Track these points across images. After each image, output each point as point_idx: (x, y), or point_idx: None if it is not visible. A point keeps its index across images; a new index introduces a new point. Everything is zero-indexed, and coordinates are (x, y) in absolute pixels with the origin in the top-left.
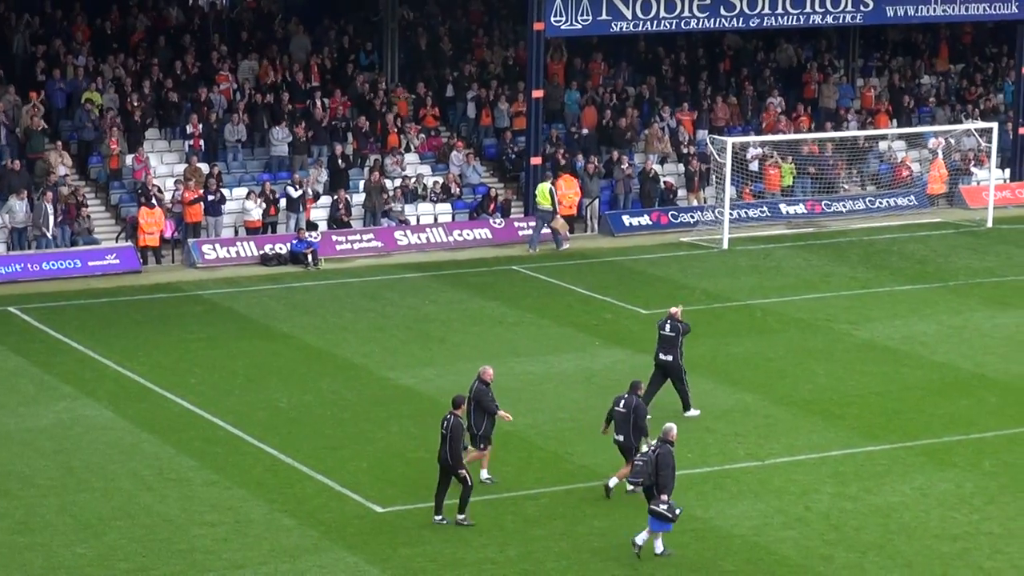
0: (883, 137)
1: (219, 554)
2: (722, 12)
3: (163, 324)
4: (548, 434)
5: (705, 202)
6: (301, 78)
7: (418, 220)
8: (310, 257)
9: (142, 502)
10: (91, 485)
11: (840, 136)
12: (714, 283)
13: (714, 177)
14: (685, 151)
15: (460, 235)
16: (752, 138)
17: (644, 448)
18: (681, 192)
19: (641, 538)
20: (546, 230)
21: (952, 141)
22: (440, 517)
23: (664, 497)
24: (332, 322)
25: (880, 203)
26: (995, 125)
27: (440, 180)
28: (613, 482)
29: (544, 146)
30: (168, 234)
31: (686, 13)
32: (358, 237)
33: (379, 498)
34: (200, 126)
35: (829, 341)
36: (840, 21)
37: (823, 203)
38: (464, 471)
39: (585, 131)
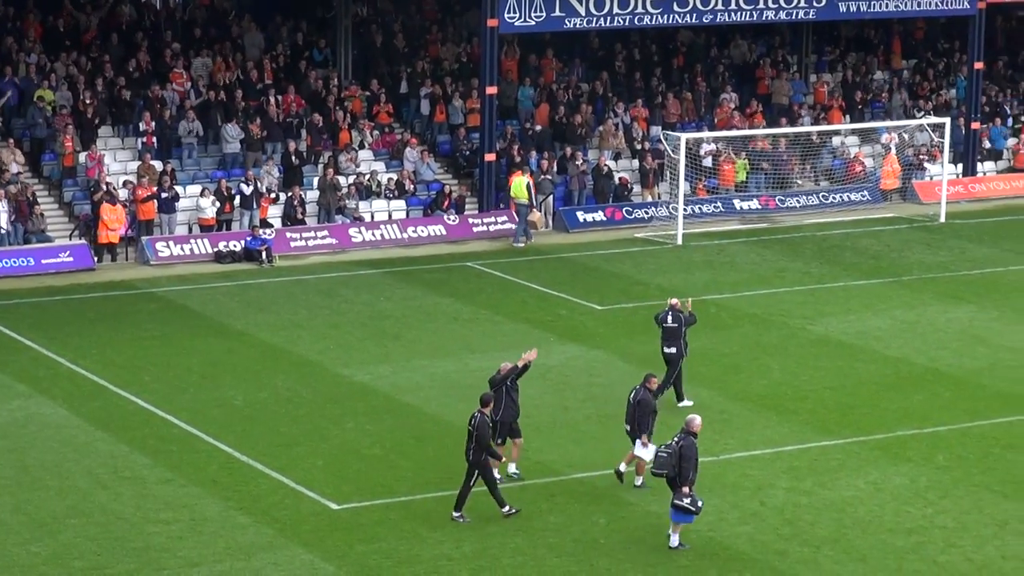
0: (836, 132)
1: (174, 552)
2: (675, 8)
3: (117, 322)
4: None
5: (659, 198)
6: (255, 75)
7: (372, 217)
8: (264, 254)
9: (97, 500)
10: (45, 483)
11: (793, 132)
12: (668, 279)
13: (668, 173)
14: (639, 147)
15: (414, 232)
16: (706, 134)
17: (639, 443)
18: (635, 188)
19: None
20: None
21: (905, 136)
22: (459, 514)
23: (686, 490)
24: (287, 319)
25: (833, 198)
26: (948, 120)
27: (394, 177)
28: (623, 467)
29: (498, 143)
30: (122, 232)
31: (639, 9)
32: (312, 234)
33: (335, 495)
34: (153, 123)
35: (783, 336)
36: (793, 17)
37: (777, 198)
38: (487, 467)
39: (539, 127)
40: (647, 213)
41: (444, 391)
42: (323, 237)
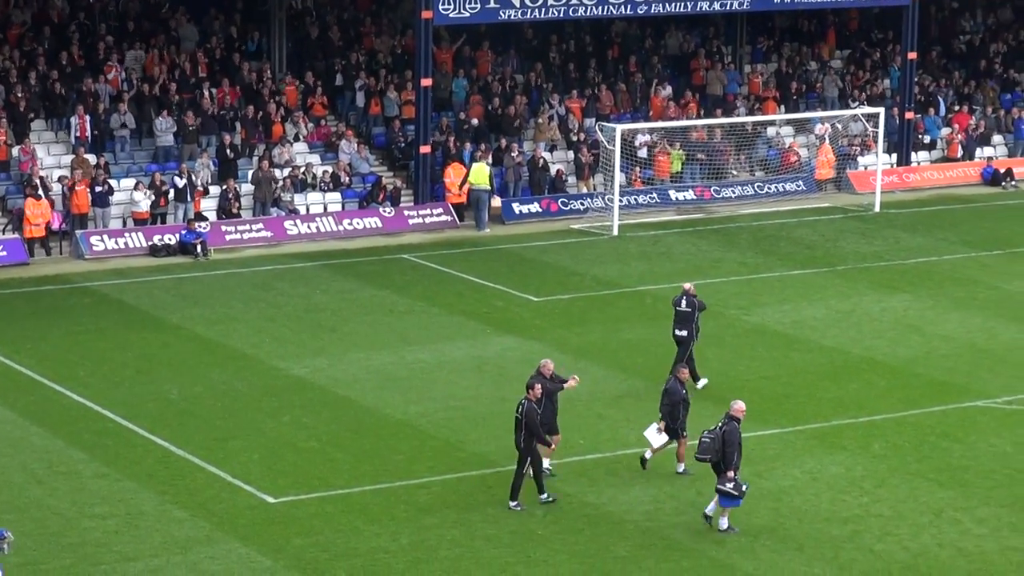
0: (771, 123)
1: (110, 547)
2: (610, 0)
3: (51, 316)
4: (440, 423)
5: (595, 189)
6: (188, 68)
7: (308, 210)
8: (199, 248)
9: (32, 496)
10: None
11: (728, 122)
12: (604, 269)
13: (603, 164)
14: (574, 138)
15: (350, 224)
16: (641, 125)
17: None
18: (571, 179)
19: (710, 508)
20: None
21: (839, 126)
22: (515, 503)
23: (730, 475)
24: (222, 312)
25: (769, 188)
26: (881, 110)
27: (329, 169)
28: (648, 455)
29: (433, 134)
30: (56, 226)
31: (574, 0)
32: (248, 227)
33: (271, 488)
34: (87, 117)
35: (719, 326)
36: (727, 8)
37: (712, 189)
38: (536, 454)
39: (475, 121)
40: (583, 204)
41: (380, 383)
42: (258, 230)
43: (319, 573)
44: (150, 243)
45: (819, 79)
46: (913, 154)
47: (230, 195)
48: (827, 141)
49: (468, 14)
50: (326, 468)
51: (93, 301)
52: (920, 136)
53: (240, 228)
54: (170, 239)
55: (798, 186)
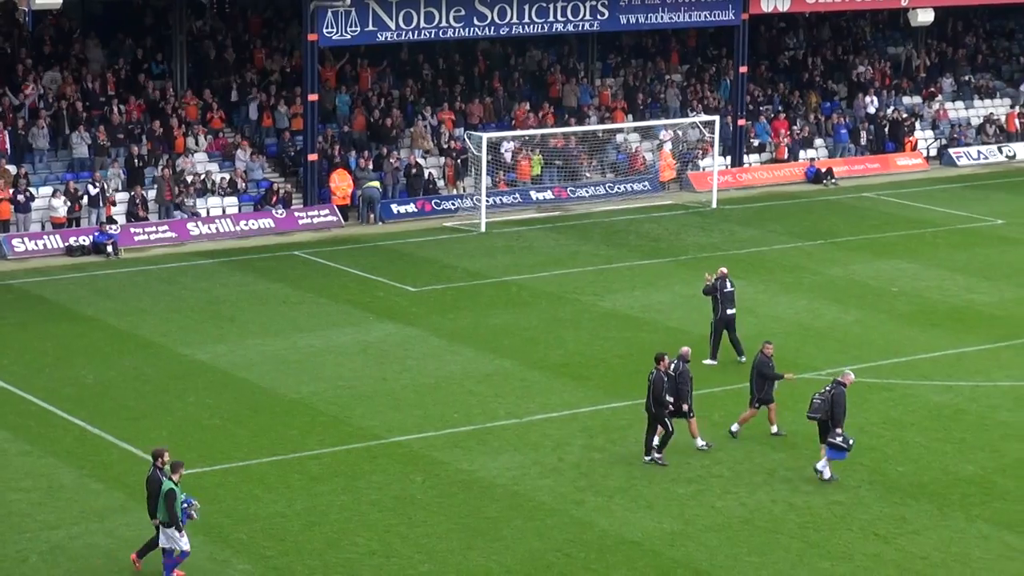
0: (620, 130)
1: (34, 516)
2: (475, 22)
3: None
4: (329, 400)
5: (464, 191)
6: (99, 87)
7: (208, 212)
8: (111, 247)
9: None
10: None
11: (582, 130)
12: (474, 262)
13: (472, 169)
14: (446, 146)
15: (246, 225)
16: (505, 133)
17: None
18: (442, 183)
19: (821, 464)
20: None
21: (680, 133)
22: (649, 458)
23: (839, 431)
24: (132, 305)
25: (618, 188)
26: (717, 118)
27: (227, 176)
28: (735, 428)
29: (319, 144)
30: None
31: (443, 23)
32: (154, 229)
33: None
34: (6, 132)
35: (576, 311)
36: (580, 28)
37: (568, 189)
38: (666, 419)
39: (356, 133)
40: (454, 205)
41: (275, 367)
42: (163, 231)
43: (223, 537)
44: (67, 244)
45: (662, 91)
46: (745, 156)
47: (137, 200)
48: (668, 147)
49: (350, 36)
50: (227, 443)
51: (15, 297)
52: (751, 140)
53: (147, 230)
54: (84, 240)
55: (644, 186)
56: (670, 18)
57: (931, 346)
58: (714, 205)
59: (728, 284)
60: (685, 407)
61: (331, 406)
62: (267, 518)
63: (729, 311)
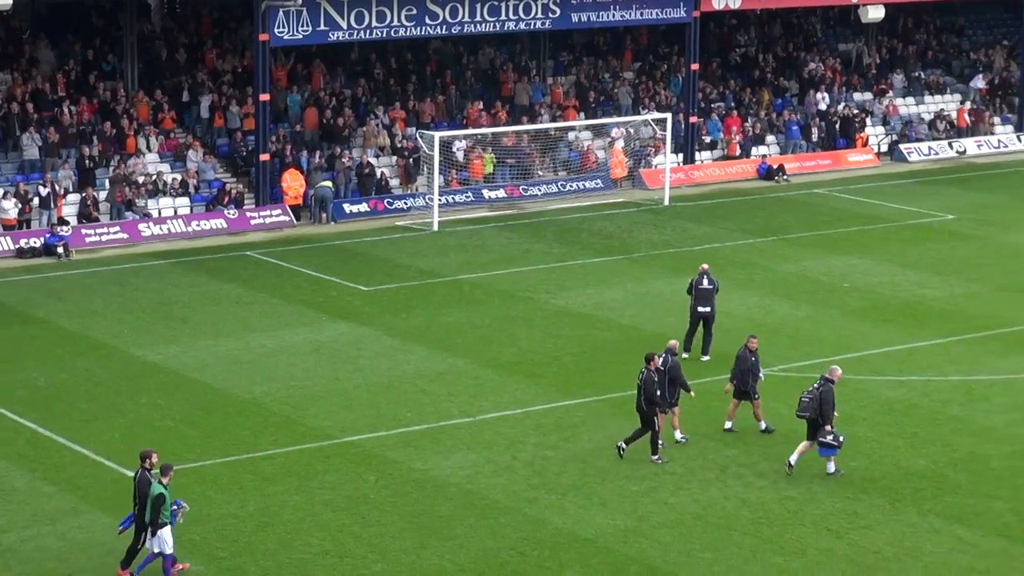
0: (572, 128)
1: None
2: (427, 21)
3: None
4: (282, 400)
5: (417, 190)
6: (49, 88)
7: (160, 213)
8: (62, 249)
9: None
10: None
11: (534, 128)
12: (426, 261)
13: (425, 168)
14: (399, 145)
15: (198, 225)
16: (457, 132)
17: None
18: (395, 182)
19: (793, 458)
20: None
21: (632, 131)
22: (657, 456)
23: (828, 428)
24: (84, 307)
25: (571, 186)
26: (669, 116)
27: (179, 177)
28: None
29: (271, 144)
30: None
31: (395, 22)
32: (105, 230)
33: (131, 464)
34: None
35: (529, 309)
36: (531, 27)
37: (521, 188)
38: (654, 418)
39: (308, 133)
40: (406, 204)
41: (228, 367)
42: (115, 232)
43: (176, 538)
44: (17, 246)
45: (614, 89)
46: (697, 153)
47: (89, 202)
48: (620, 144)
49: (301, 36)
50: (180, 444)
51: None
52: (703, 137)
53: (99, 231)
54: (36, 242)
55: (596, 184)
56: (622, 16)
57: (882, 341)
58: (666, 202)
59: (705, 281)
60: (691, 393)
61: (284, 406)
62: (220, 519)
63: (700, 308)
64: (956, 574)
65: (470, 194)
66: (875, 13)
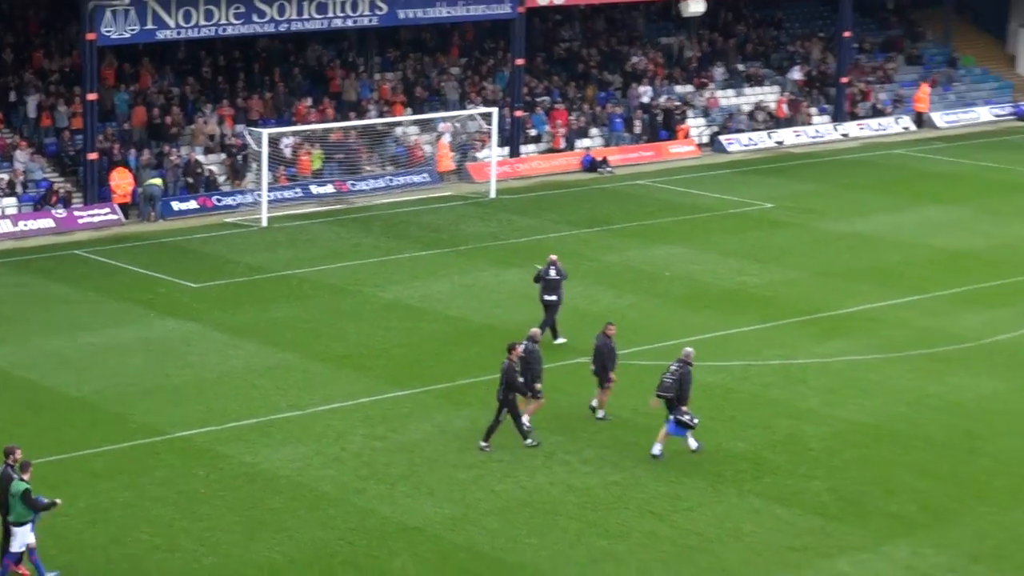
0: (399, 124)
1: None
2: (255, 19)
3: None
4: (111, 397)
5: (245, 187)
6: None
7: None
8: None
9: None
10: None
11: (362, 124)
12: (255, 257)
13: (253, 164)
14: (227, 142)
15: (26, 225)
16: (285, 129)
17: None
18: (224, 179)
19: (657, 449)
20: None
21: (459, 125)
22: (486, 444)
23: (684, 408)
24: None
25: (398, 181)
26: (495, 110)
27: (6, 177)
28: (596, 406)
29: (99, 142)
30: None
31: (223, 20)
32: None
33: None
34: None
35: (358, 303)
36: (358, 24)
37: (349, 183)
38: (509, 407)
39: (137, 131)
40: (235, 200)
41: (57, 365)
42: None
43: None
44: None
45: (441, 84)
46: (522, 147)
47: None
48: (446, 138)
49: (128, 35)
50: (9, 443)
51: None
52: (528, 131)
53: None
54: None
55: (424, 178)
56: (447, 12)
57: (703, 328)
58: (492, 195)
59: (552, 271)
60: (538, 385)
61: (114, 403)
62: (49, 517)
63: (546, 297)
64: (775, 552)
65: (299, 190)
66: (696, 7)
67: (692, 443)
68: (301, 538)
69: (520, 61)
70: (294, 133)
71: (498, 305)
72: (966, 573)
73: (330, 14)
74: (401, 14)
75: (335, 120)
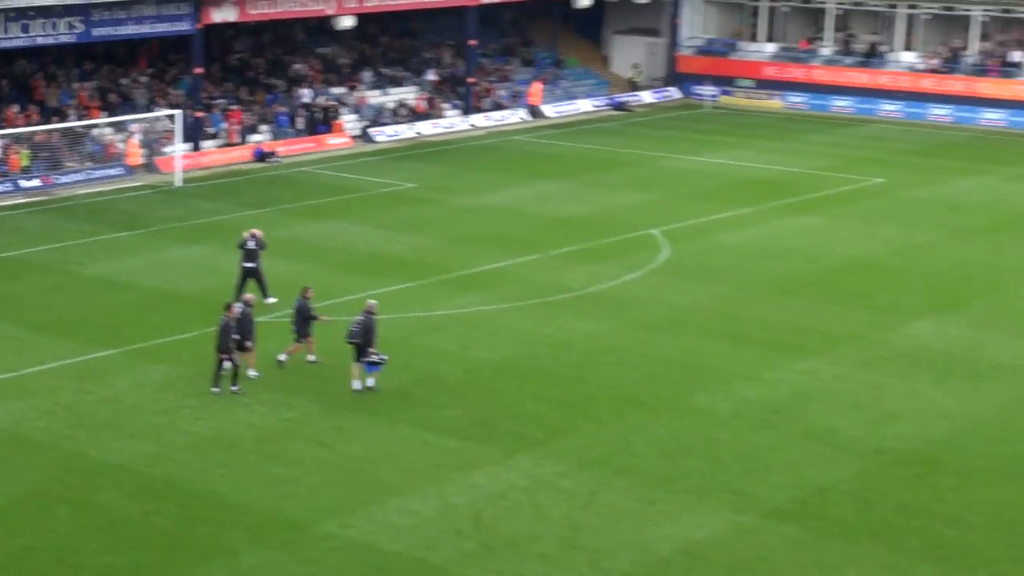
0: (96, 125)
1: None
2: None
3: None
4: None
5: None
6: None
7: None
8: None
9: None
10: None
11: (64, 127)
12: None
13: None
14: None
15: None
16: None
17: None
18: None
19: (357, 384)
20: None
21: (148, 125)
22: (218, 389)
23: (372, 350)
24: None
25: (97, 174)
26: (179, 112)
27: None
28: (283, 357)
29: None
30: None
31: None
32: None
33: None
34: None
35: (64, 280)
36: (59, 40)
37: (54, 177)
38: (226, 358)
39: None
40: None
41: None
42: None
43: None
44: None
45: (131, 91)
46: (203, 142)
47: None
48: (136, 136)
49: None
50: None
51: None
52: (208, 129)
53: None
54: None
55: (119, 171)
56: (135, 30)
57: (360, 288)
58: (179, 183)
59: (251, 242)
60: (248, 344)
61: None
62: None
63: (246, 264)
64: (422, 470)
65: (8, 184)
66: (347, 22)
67: (371, 382)
68: (18, 481)
69: (199, 70)
70: (3, 136)
71: (184, 276)
72: (577, 477)
73: (32, 33)
74: (96, 32)
75: (40, 124)
